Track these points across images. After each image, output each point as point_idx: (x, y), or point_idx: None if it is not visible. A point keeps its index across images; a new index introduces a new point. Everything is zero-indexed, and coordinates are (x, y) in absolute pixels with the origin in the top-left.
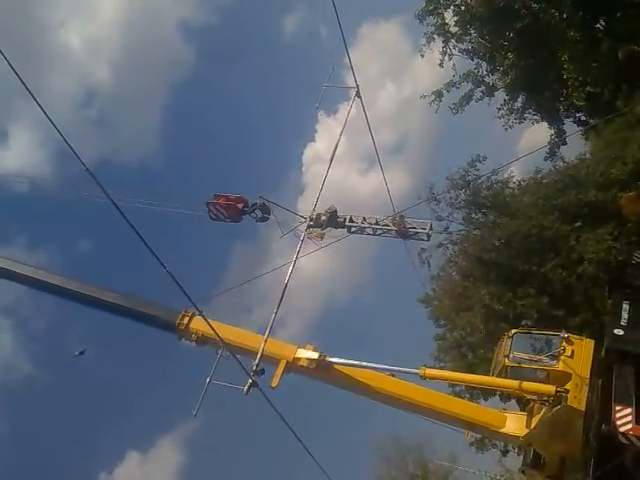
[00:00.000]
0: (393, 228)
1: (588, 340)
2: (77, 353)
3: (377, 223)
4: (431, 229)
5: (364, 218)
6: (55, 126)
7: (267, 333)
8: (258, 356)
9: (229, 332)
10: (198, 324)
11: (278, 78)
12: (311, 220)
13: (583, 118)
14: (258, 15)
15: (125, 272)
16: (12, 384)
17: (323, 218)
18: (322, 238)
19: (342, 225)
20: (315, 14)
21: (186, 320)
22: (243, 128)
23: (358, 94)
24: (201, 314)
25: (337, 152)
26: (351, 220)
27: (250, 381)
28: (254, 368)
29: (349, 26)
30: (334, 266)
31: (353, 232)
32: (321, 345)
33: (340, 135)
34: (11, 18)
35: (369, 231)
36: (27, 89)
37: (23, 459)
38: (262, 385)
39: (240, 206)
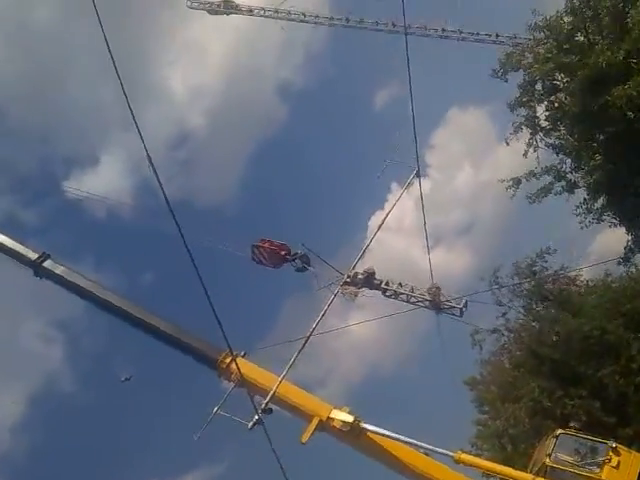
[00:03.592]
0: (428, 298)
1: (637, 454)
2: (123, 379)
3: (412, 290)
4: (465, 306)
5: (400, 284)
6: (149, 159)
7: (284, 373)
8: (269, 396)
9: (262, 376)
10: (240, 365)
11: (361, 145)
12: (348, 277)
13: None
14: (354, 86)
15: (181, 308)
16: (53, 398)
17: (360, 277)
18: (356, 296)
19: (377, 287)
20: (406, 92)
21: (228, 359)
22: (320, 187)
23: (418, 174)
24: (235, 357)
25: (406, 225)
26: (387, 284)
27: (256, 417)
28: (263, 406)
29: (439, 107)
30: (384, 334)
31: (387, 296)
32: (358, 411)
33: (392, 207)
34: (124, 50)
35: (403, 297)
36: (135, 123)
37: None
38: (276, 426)
39: (282, 253)
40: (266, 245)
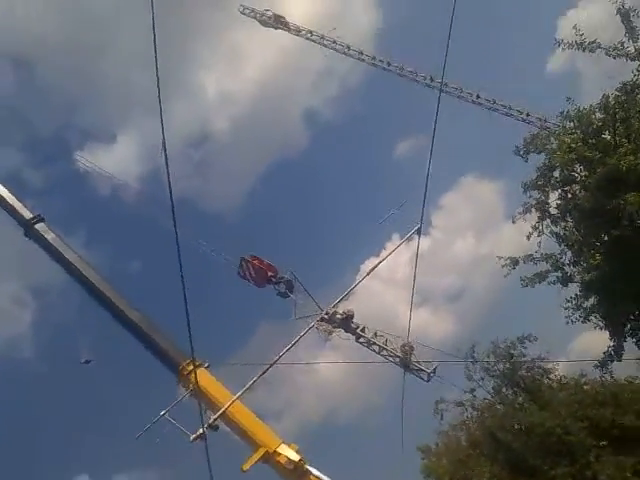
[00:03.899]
0: (399, 354)
1: None
2: (84, 361)
3: (386, 343)
4: (434, 372)
5: (375, 334)
6: (164, 145)
7: (239, 394)
8: (219, 412)
9: (218, 391)
10: (199, 375)
11: (373, 188)
12: (327, 314)
13: None
14: (380, 129)
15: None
16: (9, 361)
17: (338, 317)
18: (330, 334)
19: (353, 331)
20: (427, 147)
21: (190, 367)
22: (324, 219)
23: (419, 231)
24: (197, 366)
25: (398, 278)
26: (362, 330)
27: (200, 431)
28: (210, 421)
29: (456, 171)
30: (351, 380)
31: (360, 343)
32: (306, 452)
33: (386, 256)
34: (167, 41)
35: (375, 348)
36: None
37: None
38: (220, 447)
39: (269, 274)
40: (255, 262)
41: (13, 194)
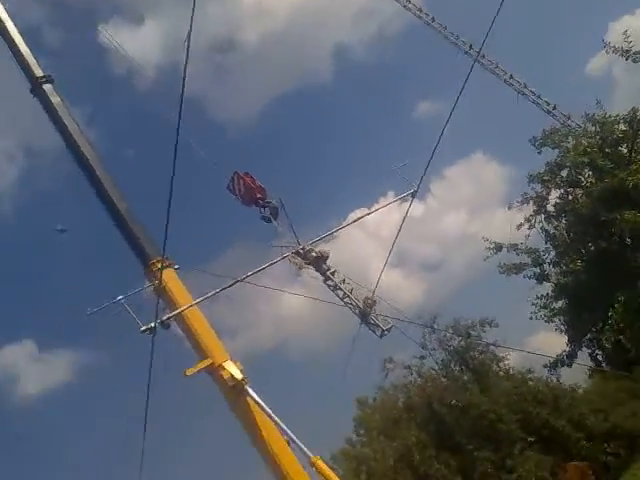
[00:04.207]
0: (360, 305)
1: None
2: (59, 228)
3: (351, 292)
4: (389, 330)
5: (344, 280)
6: (189, 40)
7: (200, 299)
8: (177, 311)
9: (180, 293)
10: (166, 275)
11: (384, 141)
12: (302, 249)
13: (600, 359)
14: (407, 83)
15: (144, 198)
16: None
17: (313, 254)
18: (300, 269)
19: (322, 272)
20: (446, 114)
21: (159, 265)
22: (327, 157)
23: (413, 194)
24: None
25: (382, 235)
26: (332, 274)
27: (152, 324)
28: (165, 318)
29: (468, 145)
30: (311, 320)
31: (327, 285)
32: (248, 373)
33: (374, 211)
34: None
35: (339, 293)
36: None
37: None
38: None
39: (257, 195)
40: (247, 180)
41: (29, 47)
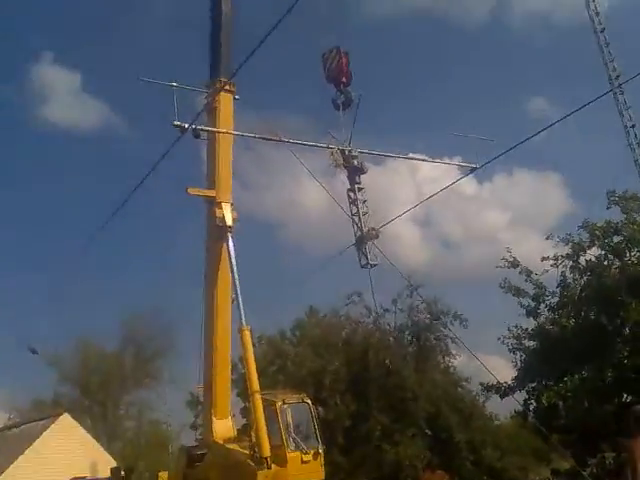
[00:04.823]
0: (363, 229)
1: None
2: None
3: (364, 215)
4: (372, 266)
5: (365, 200)
6: None
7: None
8: (212, 129)
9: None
10: (223, 97)
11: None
12: (349, 151)
13: (531, 409)
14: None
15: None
16: None
17: (354, 162)
18: (337, 167)
19: (351, 182)
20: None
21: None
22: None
23: (472, 170)
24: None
25: (424, 189)
26: (358, 190)
27: (186, 125)
28: (200, 128)
29: (547, 161)
30: (327, 215)
31: (348, 194)
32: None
33: (429, 161)
34: None
35: (352, 208)
36: None
37: None
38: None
39: (343, 79)
40: (345, 59)
41: None
